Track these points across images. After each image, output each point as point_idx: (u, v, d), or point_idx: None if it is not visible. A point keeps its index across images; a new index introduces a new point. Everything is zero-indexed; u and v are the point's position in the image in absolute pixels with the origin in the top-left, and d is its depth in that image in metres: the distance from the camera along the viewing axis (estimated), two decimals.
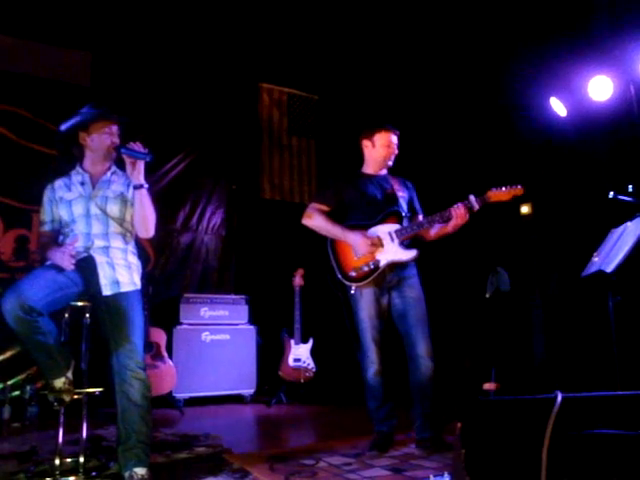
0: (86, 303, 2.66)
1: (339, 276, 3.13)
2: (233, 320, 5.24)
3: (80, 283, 2.52)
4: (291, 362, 5.10)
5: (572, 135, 4.53)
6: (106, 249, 2.57)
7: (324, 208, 3.24)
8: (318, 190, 3.40)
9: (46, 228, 2.68)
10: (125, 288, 2.54)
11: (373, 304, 3.08)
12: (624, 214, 3.49)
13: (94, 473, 2.62)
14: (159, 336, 4.73)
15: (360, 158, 3.39)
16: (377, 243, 3.06)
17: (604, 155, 4.34)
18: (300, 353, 5.14)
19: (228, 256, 5.99)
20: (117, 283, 2.52)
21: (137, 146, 2.52)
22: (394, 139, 3.28)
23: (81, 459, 2.61)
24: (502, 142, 5.06)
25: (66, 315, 2.70)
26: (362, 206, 3.18)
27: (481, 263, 4.78)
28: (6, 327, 2.44)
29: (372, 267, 3.05)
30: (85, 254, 2.54)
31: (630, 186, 3.58)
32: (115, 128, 2.66)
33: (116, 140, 2.64)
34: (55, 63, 5.19)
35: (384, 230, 3.10)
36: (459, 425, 1.28)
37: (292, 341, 5.16)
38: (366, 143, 3.31)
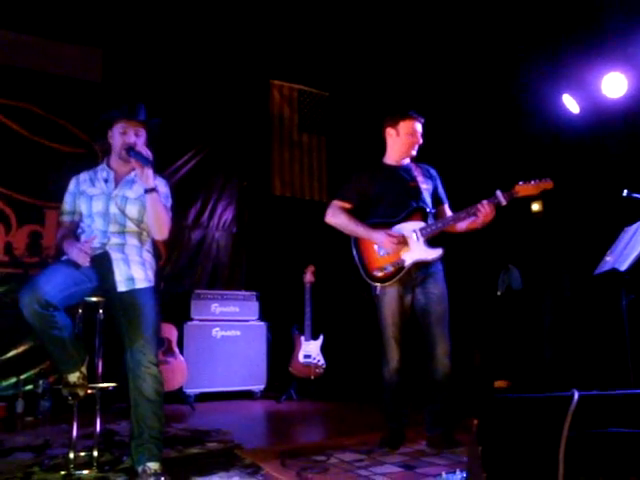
0: (100, 299, 2.68)
1: (363, 275, 3.09)
2: (244, 316, 5.26)
3: (95, 279, 2.55)
4: (301, 358, 5.12)
5: (585, 132, 4.49)
6: (122, 246, 2.60)
7: (347, 206, 3.20)
8: (341, 187, 3.32)
9: (66, 219, 2.71)
10: (140, 285, 2.56)
11: (396, 303, 3.05)
12: (638, 212, 3.47)
13: (107, 467, 2.65)
14: (170, 332, 4.76)
15: (378, 150, 3.29)
16: (402, 242, 3.01)
17: (617, 152, 4.30)
18: (310, 349, 5.15)
19: (239, 252, 6.01)
20: (132, 280, 2.54)
21: (144, 150, 2.53)
22: (419, 127, 3.18)
23: (95, 453, 2.63)
24: (514, 139, 5.03)
25: (80, 310, 2.72)
26: (386, 203, 3.12)
27: (493, 261, 4.77)
28: (19, 322, 2.47)
29: (397, 267, 3.01)
30: (101, 250, 2.57)
31: None
32: (131, 129, 2.65)
33: (129, 140, 2.64)
34: (66, 59, 5.21)
35: (409, 228, 3.05)
36: (475, 422, 1.29)
37: (302, 337, 5.17)
38: (390, 131, 3.21)
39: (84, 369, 2.52)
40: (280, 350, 5.28)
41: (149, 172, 2.52)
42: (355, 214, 3.16)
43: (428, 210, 3.10)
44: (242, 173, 6.13)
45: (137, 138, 2.66)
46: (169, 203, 2.73)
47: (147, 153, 2.53)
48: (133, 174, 2.69)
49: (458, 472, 1.99)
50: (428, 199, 3.16)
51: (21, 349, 4.61)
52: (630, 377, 3.22)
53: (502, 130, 5.07)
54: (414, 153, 3.21)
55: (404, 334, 3.08)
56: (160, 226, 2.63)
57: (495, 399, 1.34)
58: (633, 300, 3.38)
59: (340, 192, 3.27)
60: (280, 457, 2.82)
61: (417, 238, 3.02)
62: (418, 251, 3.02)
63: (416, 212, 3.07)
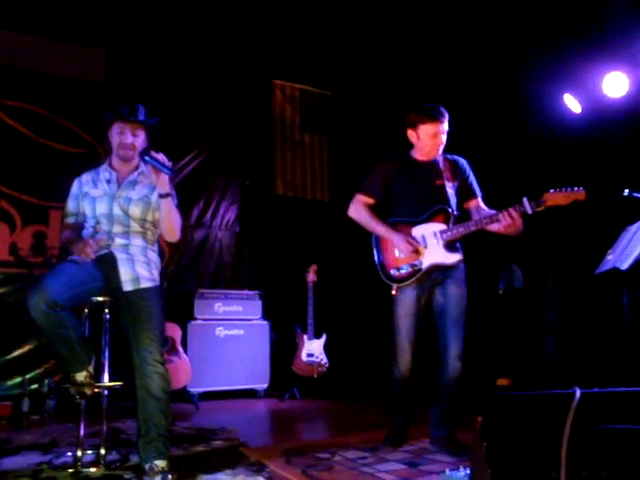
0: (106, 298, 2.71)
1: (381, 274, 3.07)
2: (247, 315, 5.29)
3: (100, 279, 2.57)
4: (304, 357, 5.14)
5: (586, 132, 4.51)
6: (126, 247, 2.62)
7: (370, 201, 3.15)
8: (366, 180, 3.20)
9: (70, 221, 2.73)
10: (145, 284, 2.58)
11: (412, 304, 3.02)
12: (639, 211, 3.49)
13: (115, 465, 2.68)
14: (174, 331, 4.78)
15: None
16: (421, 244, 2.97)
17: (619, 152, 4.32)
18: (313, 348, 5.18)
19: (242, 252, 6.04)
20: (137, 279, 2.57)
21: (161, 157, 2.51)
22: (441, 128, 3.00)
23: (102, 451, 2.66)
24: (515, 138, 5.05)
25: (86, 310, 2.76)
26: (409, 201, 3.06)
27: (494, 260, 4.79)
28: (24, 322, 2.50)
29: (415, 268, 2.98)
30: (106, 251, 2.59)
31: None
32: (128, 129, 2.66)
33: (126, 141, 2.65)
34: (69, 60, 5.23)
35: (429, 230, 2.99)
36: (480, 419, 1.31)
37: (305, 336, 5.20)
38: (411, 133, 3.09)
39: (91, 368, 2.56)
40: (283, 349, 5.31)
41: (165, 178, 2.51)
42: (378, 208, 3.11)
43: (450, 211, 3.01)
44: (244, 173, 6.16)
45: (135, 138, 2.67)
46: (175, 202, 2.75)
47: (163, 159, 2.51)
48: (136, 174, 2.72)
49: (462, 469, 2.02)
50: (453, 199, 3.07)
51: (26, 348, 4.64)
52: (631, 375, 3.24)
53: (503, 129, 5.09)
54: (439, 152, 3.10)
55: (417, 335, 3.06)
56: (173, 229, 2.66)
57: (499, 397, 1.36)
58: (634, 299, 3.40)
59: (364, 186, 3.17)
60: (285, 455, 2.85)
61: (437, 241, 2.97)
62: (436, 254, 2.97)
63: (439, 214, 3.00)
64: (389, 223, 3.09)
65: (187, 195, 5.71)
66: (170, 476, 2.37)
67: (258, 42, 5.85)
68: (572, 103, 4.57)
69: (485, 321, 4.86)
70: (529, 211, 2.78)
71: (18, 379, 4.50)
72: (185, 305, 5.07)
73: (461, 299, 3.02)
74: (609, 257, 3.51)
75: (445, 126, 3.02)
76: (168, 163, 2.52)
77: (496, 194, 3.29)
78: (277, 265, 5.89)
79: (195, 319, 5.04)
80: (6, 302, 4.62)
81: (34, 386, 4.42)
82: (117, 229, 2.63)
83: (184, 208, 5.61)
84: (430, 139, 3.02)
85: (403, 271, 3.01)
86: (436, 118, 2.98)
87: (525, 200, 2.79)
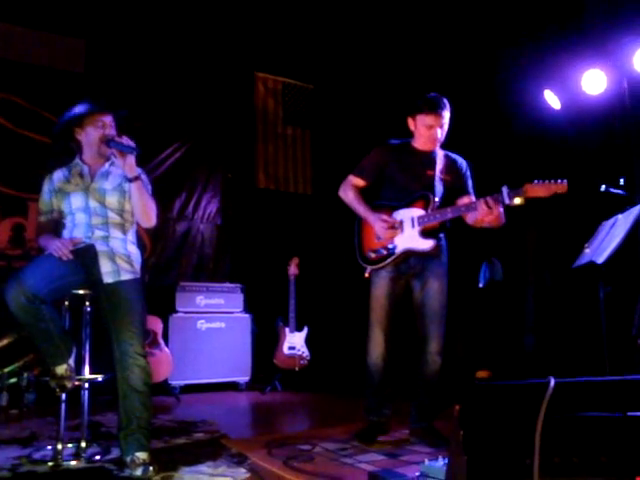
0: (87, 291, 2.69)
1: (357, 256, 3.07)
2: (228, 308, 5.28)
3: (81, 271, 2.56)
4: (286, 350, 5.16)
5: (565, 128, 4.57)
6: (106, 239, 2.60)
7: (360, 183, 3.13)
8: (361, 161, 3.17)
9: (43, 219, 2.70)
10: (125, 276, 2.57)
11: (387, 286, 3.01)
12: (615, 206, 3.56)
13: (96, 458, 2.67)
14: (155, 324, 4.77)
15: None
16: (398, 227, 2.95)
17: (596, 148, 4.39)
18: (295, 341, 5.20)
19: (223, 245, 6.03)
20: (117, 272, 2.56)
21: (125, 139, 2.54)
22: (439, 120, 2.96)
23: (82, 444, 2.66)
24: (495, 134, 5.10)
25: (66, 303, 2.75)
26: (397, 186, 3.05)
27: (475, 253, 4.84)
28: (2, 315, 2.47)
29: (389, 252, 2.97)
30: (85, 243, 2.58)
31: (622, 179, 3.64)
32: (109, 120, 2.67)
33: (108, 131, 2.65)
34: (49, 50, 5.16)
35: (408, 215, 2.97)
36: (457, 408, 1.34)
37: (287, 329, 5.22)
38: (410, 122, 3.06)
39: (71, 361, 2.53)
40: (265, 342, 5.32)
41: (131, 160, 2.52)
42: (368, 192, 3.10)
43: (431, 197, 2.96)
44: (227, 165, 6.14)
45: (110, 129, 2.67)
46: (149, 190, 2.73)
47: (128, 141, 2.53)
48: (107, 165, 2.70)
49: (440, 459, 2.05)
50: (439, 190, 3.03)
51: (4, 342, 4.58)
52: (606, 365, 3.32)
53: (484, 125, 5.13)
54: (438, 144, 3.06)
55: (392, 321, 3.03)
56: (147, 213, 2.64)
57: (476, 386, 1.40)
58: (610, 292, 3.47)
59: (358, 167, 3.15)
60: (266, 447, 2.86)
61: (412, 226, 2.95)
62: (410, 239, 2.94)
63: (419, 199, 2.97)
64: (373, 206, 3.08)
65: (169, 187, 5.69)
66: (151, 468, 2.37)
67: (241, 34, 5.83)
68: (552, 99, 4.64)
69: (465, 314, 4.93)
70: (507, 201, 2.73)
71: None
72: (167, 298, 5.06)
73: (441, 294, 3.01)
74: (586, 250, 3.58)
75: (444, 120, 3.00)
76: (132, 144, 2.53)
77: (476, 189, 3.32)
78: (259, 258, 5.89)
79: (177, 312, 5.03)
80: None
81: (13, 380, 4.38)
82: (95, 221, 2.61)
83: (166, 200, 5.64)
84: (425, 130, 2.99)
85: (378, 254, 3.00)
86: (433, 110, 2.95)
87: (504, 189, 2.74)
